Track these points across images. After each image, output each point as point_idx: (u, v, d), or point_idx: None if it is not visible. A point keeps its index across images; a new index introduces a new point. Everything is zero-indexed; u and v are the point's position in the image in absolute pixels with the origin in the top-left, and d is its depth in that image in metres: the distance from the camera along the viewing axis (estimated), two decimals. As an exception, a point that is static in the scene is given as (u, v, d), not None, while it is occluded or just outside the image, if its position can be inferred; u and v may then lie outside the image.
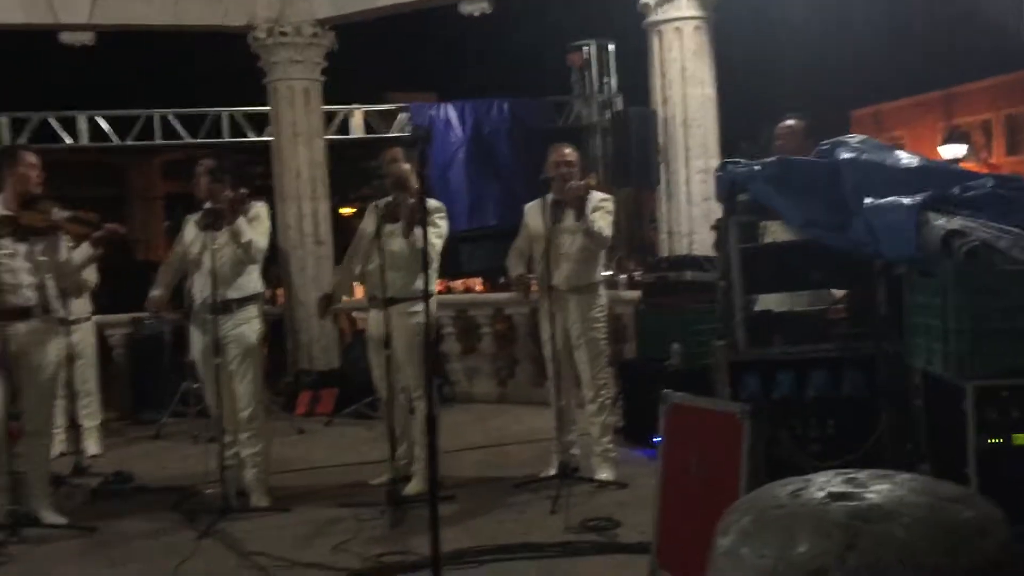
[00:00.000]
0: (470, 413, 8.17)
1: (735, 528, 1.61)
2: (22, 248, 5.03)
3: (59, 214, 5.13)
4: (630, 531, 4.46)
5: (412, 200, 5.22)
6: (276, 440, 6.49)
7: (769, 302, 4.22)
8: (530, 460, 6.03)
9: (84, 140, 10.41)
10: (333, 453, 6.86)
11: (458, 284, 13.65)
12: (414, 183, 5.37)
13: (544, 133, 10.64)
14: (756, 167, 4.06)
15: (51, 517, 5.12)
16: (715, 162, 7.38)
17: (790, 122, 5.21)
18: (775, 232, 4.21)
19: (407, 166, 5.47)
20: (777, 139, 5.20)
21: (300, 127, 9.53)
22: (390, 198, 5.52)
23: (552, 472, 5.49)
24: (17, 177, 5.06)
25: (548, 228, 5.39)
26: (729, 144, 8.13)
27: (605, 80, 11.98)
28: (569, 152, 5.61)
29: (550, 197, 5.42)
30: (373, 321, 5.59)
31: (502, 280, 10.59)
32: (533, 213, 5.63)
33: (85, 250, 5.27)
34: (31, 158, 5.15)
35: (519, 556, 4.32)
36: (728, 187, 4.17)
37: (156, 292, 5.50)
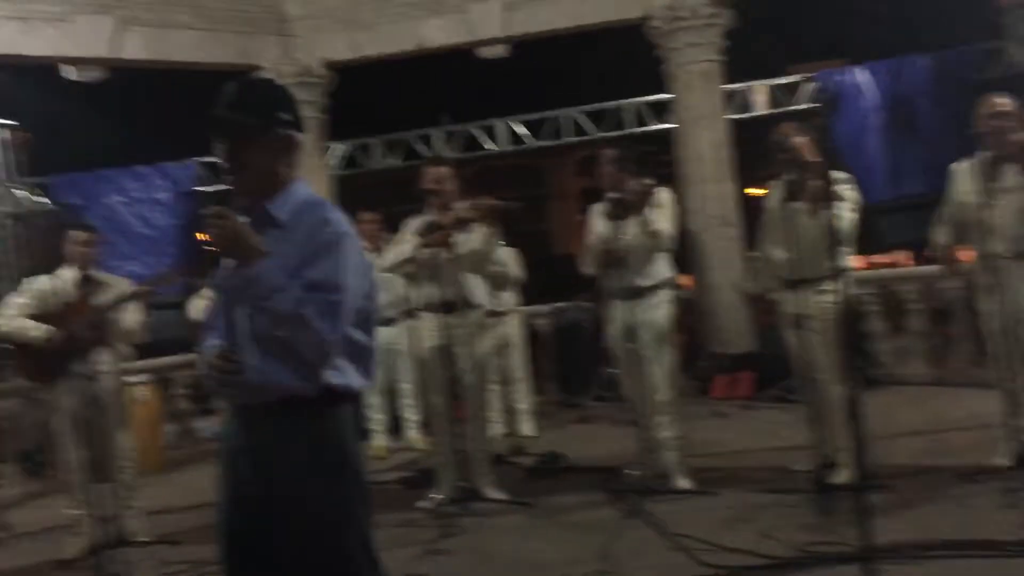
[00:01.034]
0: (900, 396, 7.58)
1: None
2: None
3: (459, 207, 5.54)
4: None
5: (813, 175, 4.93)
6: (693, 424, 6.50)
7: None
8: (974, 447, 5.43)
9: (504, 145, 11.27)
10: (752, 437, 6.74)
11: (882, 259, 12.74)
12: (814, 156, 5.07)
13: (973, 86, 9.54)
14: None
15: (494, 493, 5.59)
16: None
17: None
18: None
19: (803, 139, 5.17)
20: None
21: (701, 109, 9.50)
22: (791, 176, 5.27)
23: (1004, 462, 4.90)
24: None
25: (983, 190, 4.82)
26: None
27: (1047, 16, 10.46)
28: (1003, 102, 4.96)
29: (983, 155, 4.84)
30: (787, 302, 5.38)
31: (928, 252, 9.71)
32: (962, 175, 5.06)
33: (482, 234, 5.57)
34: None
35: (968, 554, 3.90)
36: None
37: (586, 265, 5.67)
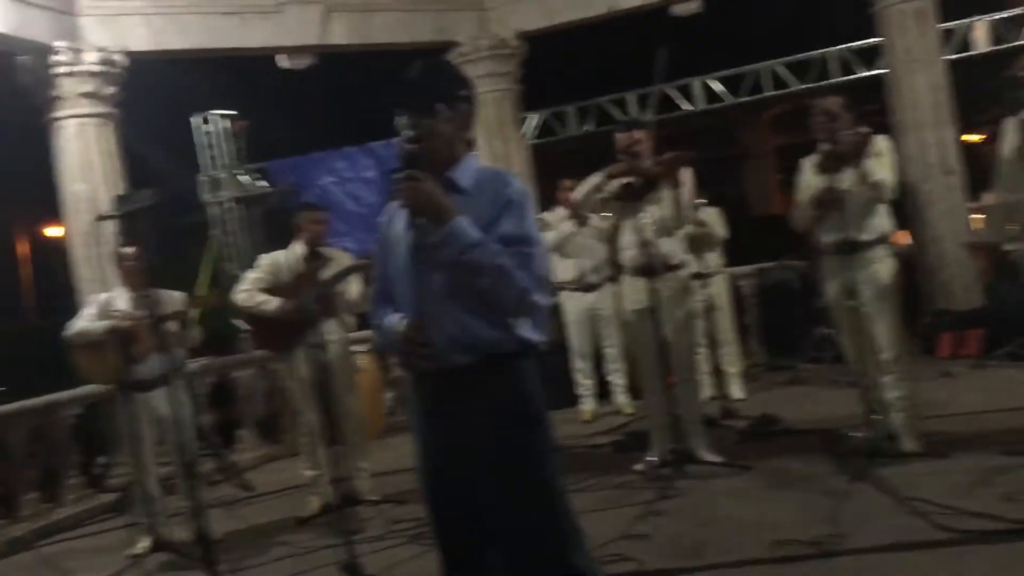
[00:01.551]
0: None
1: None
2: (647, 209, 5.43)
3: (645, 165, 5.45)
4: None
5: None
6: (920, 383, 6.15)
7: None
8: None
9: (701, 104, 11.01)
10: (986, 397, 6.31)
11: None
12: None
13: None
14: None
15: (708, 455, 5.53)
16: None
17: None
18: None
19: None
20: None
21: (915, 52, 8.89)
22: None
23: None
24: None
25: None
26: None
27: None
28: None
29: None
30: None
31: None
32: None
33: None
34: None
35: None
36: None
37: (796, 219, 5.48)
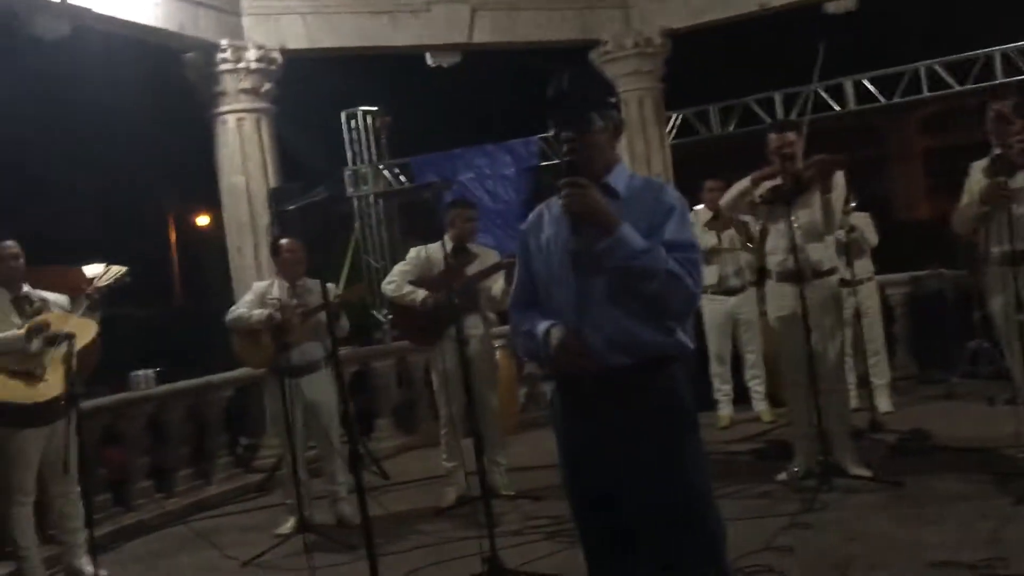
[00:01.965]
0: None
1: None
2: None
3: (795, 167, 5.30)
4: None
5: None
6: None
7: None
8: None
9: (851, 105, 10.62)
10: None
11: None
12: None
13: None
14: None
15: (856, 469, 5.34)
16: None
17: None
18: None
19: None
20: None
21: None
22: None
23: None
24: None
25: None
26: None
27: None
28: None
29: None
30: None
31: None
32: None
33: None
34: None
35: None
36: None
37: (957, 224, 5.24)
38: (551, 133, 2.66)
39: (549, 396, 2.77)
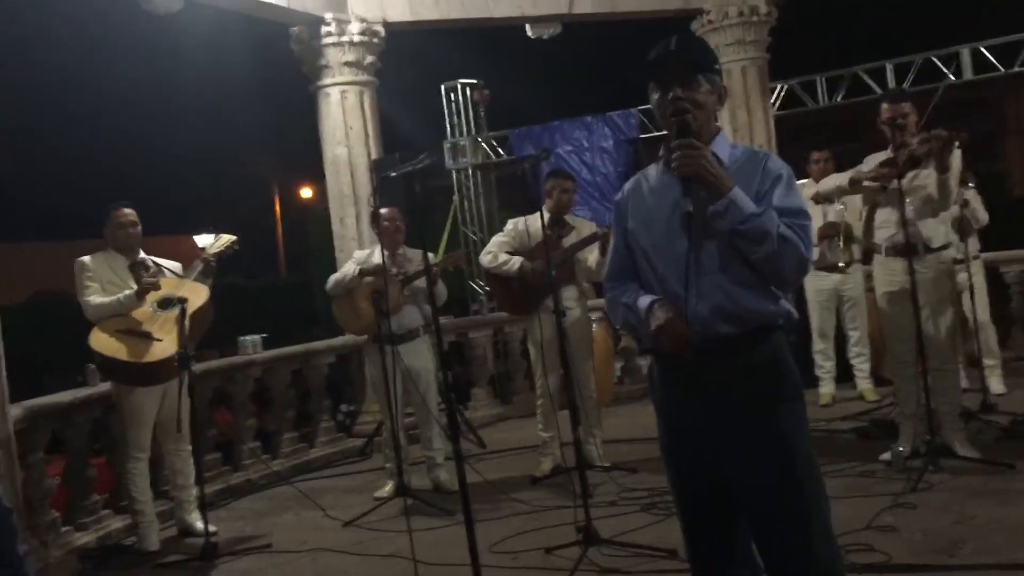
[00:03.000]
0: None
1: None
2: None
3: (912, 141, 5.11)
4: None
5: None
6: None
7: None
8: None
9: (967, 75, 10.16)
10: None
11: None
12: None
13: None
14: None
15: (965, 450, 5.17)
16: None
17: None
18: None
19: None
20: None
21: None
22: None
23: None
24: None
25: None
26: None
27: None
28: None
29: None
30: None
31: None
32: None
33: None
34: None
35: None
36: None
37: None
38: (655, 96, 2.59)
39: (647, 369, 2.75)
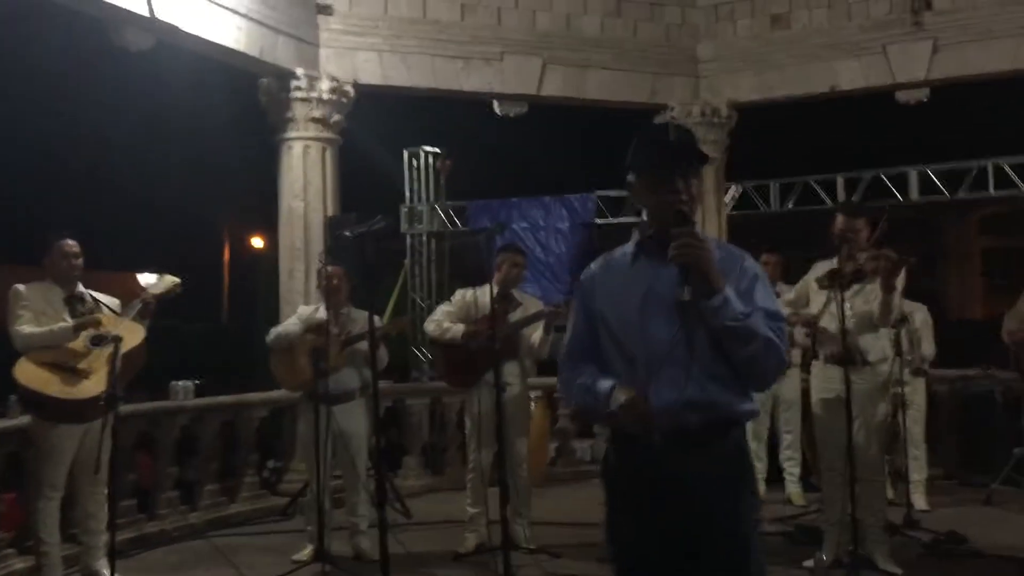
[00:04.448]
0: None
1: None
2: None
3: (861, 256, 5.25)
4: None
5: None
6: None
7: None
8: None
9: (914, 196, 10.53)
10: None
11: None
12: None
13: None
14: None
15: (886, 564, 5.21)
16: None
17: None
18: None
19: None
20: None
21: None
22: None
23: None
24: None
25: None
26: None
27: None
28: None
29: None
30: None
31: None
32: None
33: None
34: None
35: None
36: None
37: (1009, 327, 5.16)
38: (646, 183, 2.61)
39: (603, 452, 2.72)
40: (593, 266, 2.76)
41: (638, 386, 2.51)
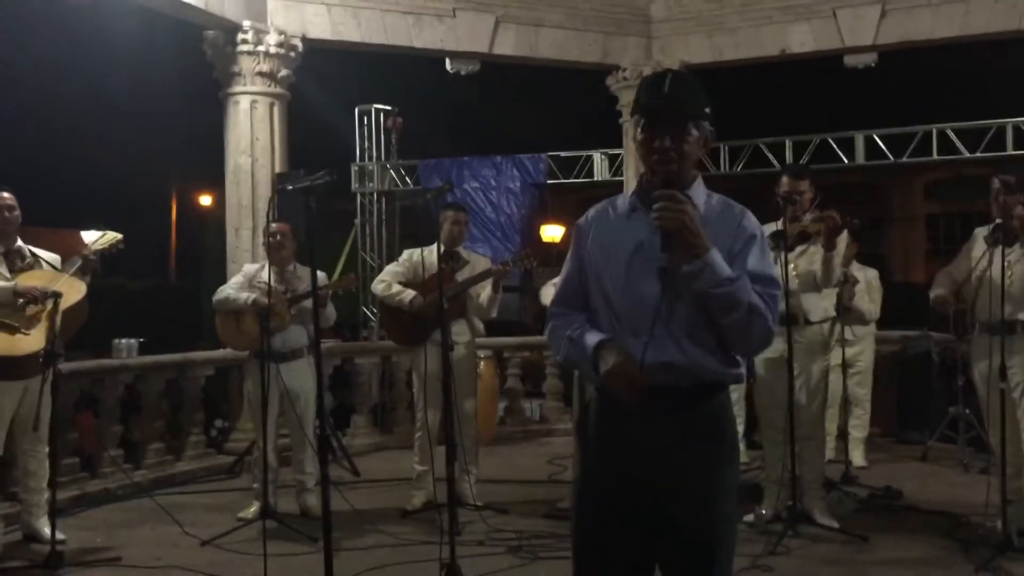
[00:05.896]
0: None
1: None
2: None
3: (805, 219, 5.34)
4: None
5: None
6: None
7: None
8: None
9: (860, 160, 10.67)
10: None
11: None
12: None
13: None
14: None
15: (825, 519, 5.34)
16: None
17: None
18: None
19: None
20: None
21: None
22: None
23: None
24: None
25: None
26: None
27: None
28: None
29: None
30: None
31: None
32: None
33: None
34: None
35: None
36: None
37: (937, 292, 5.27)
38: (640, 134, 2.46)
39: (585, 405, 2.61)
40: (591, 212, 2.64)
41: (626, 347, 2.41)
